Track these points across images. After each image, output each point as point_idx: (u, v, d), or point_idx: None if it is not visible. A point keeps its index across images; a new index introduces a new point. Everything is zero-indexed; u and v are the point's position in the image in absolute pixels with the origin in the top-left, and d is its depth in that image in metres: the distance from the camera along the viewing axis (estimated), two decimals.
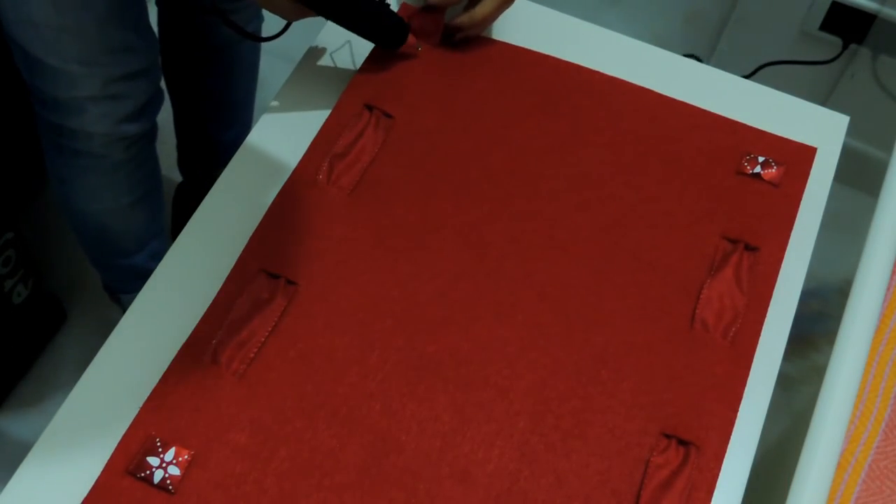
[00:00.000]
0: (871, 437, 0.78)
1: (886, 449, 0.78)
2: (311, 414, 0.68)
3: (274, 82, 1.37)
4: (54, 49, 0.95)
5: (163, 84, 1.11)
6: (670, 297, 0.76)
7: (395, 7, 0.89)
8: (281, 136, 0.84)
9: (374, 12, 0.81)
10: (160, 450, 0.66)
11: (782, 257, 0.79)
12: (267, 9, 0.77)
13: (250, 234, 0.76)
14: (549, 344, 0.73)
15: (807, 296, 0.78)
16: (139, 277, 1.30)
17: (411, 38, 0.86)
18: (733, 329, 0.74)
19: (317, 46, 0.90)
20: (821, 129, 0.88)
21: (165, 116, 1.32)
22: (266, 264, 0.75)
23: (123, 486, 0.64)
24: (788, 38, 1.65)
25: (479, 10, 0.85)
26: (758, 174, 0.83)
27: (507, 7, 0.87)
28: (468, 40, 0.90)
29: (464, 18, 0.86)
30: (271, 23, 0.88)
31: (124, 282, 1.37)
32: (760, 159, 0.83)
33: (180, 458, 0.65)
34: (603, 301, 0.75)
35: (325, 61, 0.90)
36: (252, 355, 0.70)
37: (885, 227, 0.82)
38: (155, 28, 1.09)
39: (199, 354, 0.70)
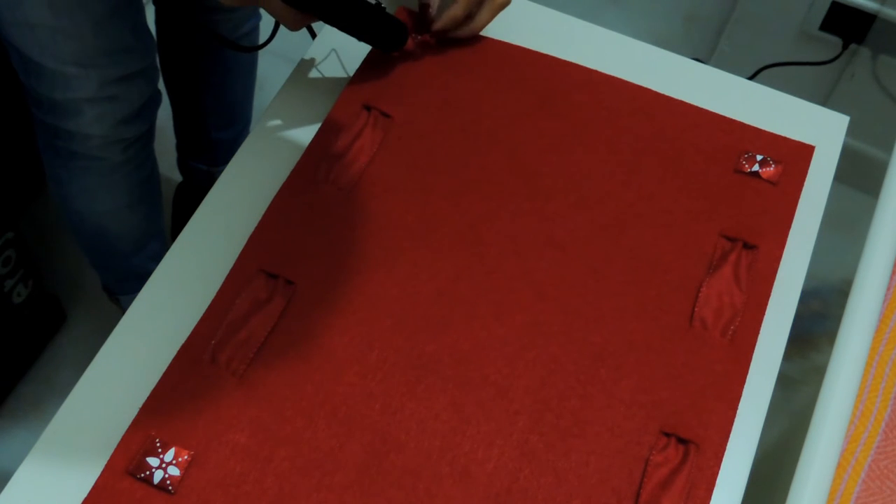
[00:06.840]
0: (871, 437, 0.78)
1: (886, 449, 0.78)
2: (310, 414, 0.68)
3: (274, 82, 1.37)
4: (50, 50, 0.94)
5: (161, 84, 1.11)
6: (669, 296, 0.76)
7: (391, 9, 0.90)
8: (280, 136, 0.84)
9: (373, 16, 0.81)
10: (160, 450, 0.66)
11: (781, 255, 0.78)
12: (270, 13, 0.77)
13: (249, 234, 0.76)
14: (548, 343, 0.73)
15: (807, 296, 0.78)
16: (138, 278, 1.30)
17: (410, 42, 0.86)
18: (732, 327, 0.74)
19: (316, 47, 0.90)
20: (821, 128, 0.87)
21: (165, 117, 1.32)
22: (265, 264, 0.75)
23: (123, 486, 0.64)
24: (788, 38, 1.65)
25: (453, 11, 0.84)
26: (756, 172, 0.83)
27: (499, 10, 0.86)
28: (463, 39, 0.89)
29: (445, 21, 0.85)
30: (269, 22, 0.88)
31: (123, 282, 1.37)
32: (758, 157, 0.83)
33: (180, 459, 0.65)
34: (602, 299, 0.75)
35: (323, 62, 0.90)
36: (251, 355, 0.70)
37: (885, 227, 0.82)
38: (152, 28, 1.09)
39: (198, 355, 0.70)
